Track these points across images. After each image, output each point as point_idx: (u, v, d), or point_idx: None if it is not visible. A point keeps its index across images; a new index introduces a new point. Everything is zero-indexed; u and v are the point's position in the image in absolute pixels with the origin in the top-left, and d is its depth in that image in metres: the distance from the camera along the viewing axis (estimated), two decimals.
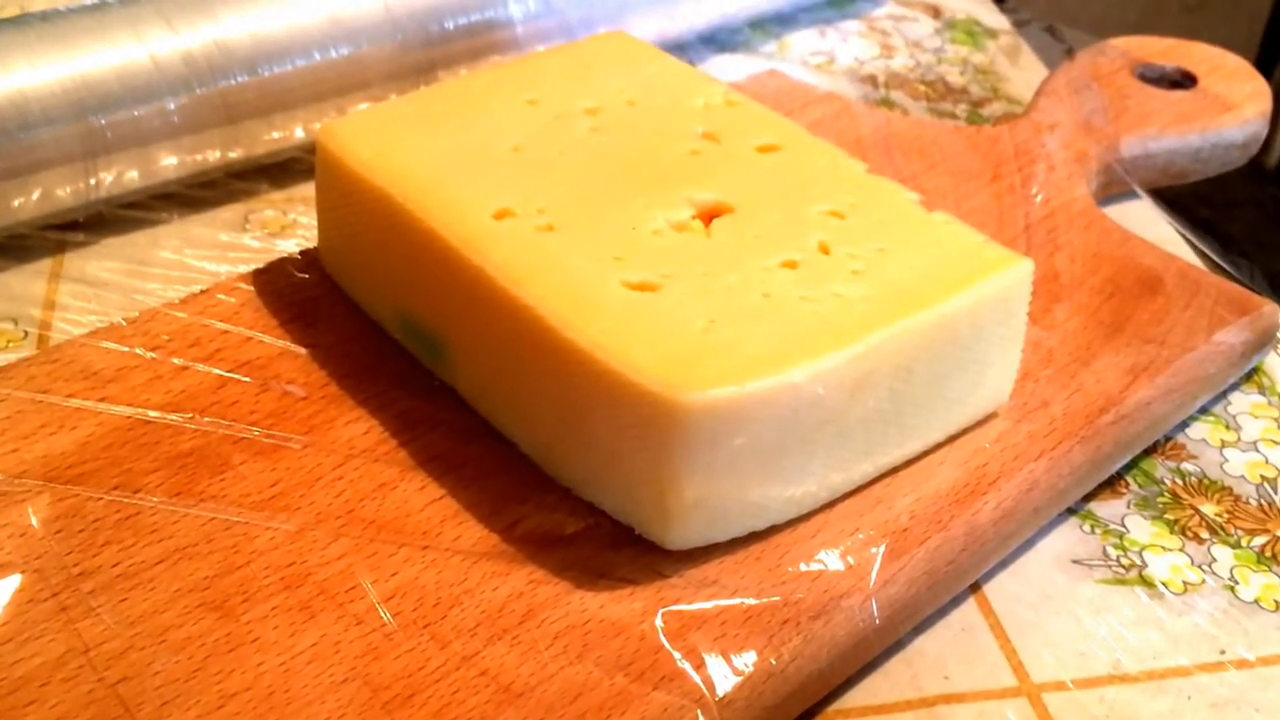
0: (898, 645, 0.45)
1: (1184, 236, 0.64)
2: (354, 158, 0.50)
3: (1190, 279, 0.56)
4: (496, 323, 0.45)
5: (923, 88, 0.75)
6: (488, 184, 0.48)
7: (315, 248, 0.55)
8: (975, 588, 0.48)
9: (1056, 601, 0.48)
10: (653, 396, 0.41)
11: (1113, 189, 0.65)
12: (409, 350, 0.50)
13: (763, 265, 0.46)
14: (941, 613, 0.47)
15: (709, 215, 0.48)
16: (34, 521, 0.42)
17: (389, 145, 0.50)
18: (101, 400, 0.47)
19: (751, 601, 0.42)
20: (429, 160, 0.49)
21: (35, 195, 0.56)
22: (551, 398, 0.44)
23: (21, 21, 0.58)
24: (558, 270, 0.45)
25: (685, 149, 0.51)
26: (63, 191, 0.57)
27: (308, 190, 0.63)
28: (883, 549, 0.44)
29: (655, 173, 0.50)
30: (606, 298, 0.44)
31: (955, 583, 0.46)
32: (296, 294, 0.53)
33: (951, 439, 0.48)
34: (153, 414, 0.46)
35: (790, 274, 0.45)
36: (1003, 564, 0.48)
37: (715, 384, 0.41)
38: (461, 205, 0.47)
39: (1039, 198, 0.60)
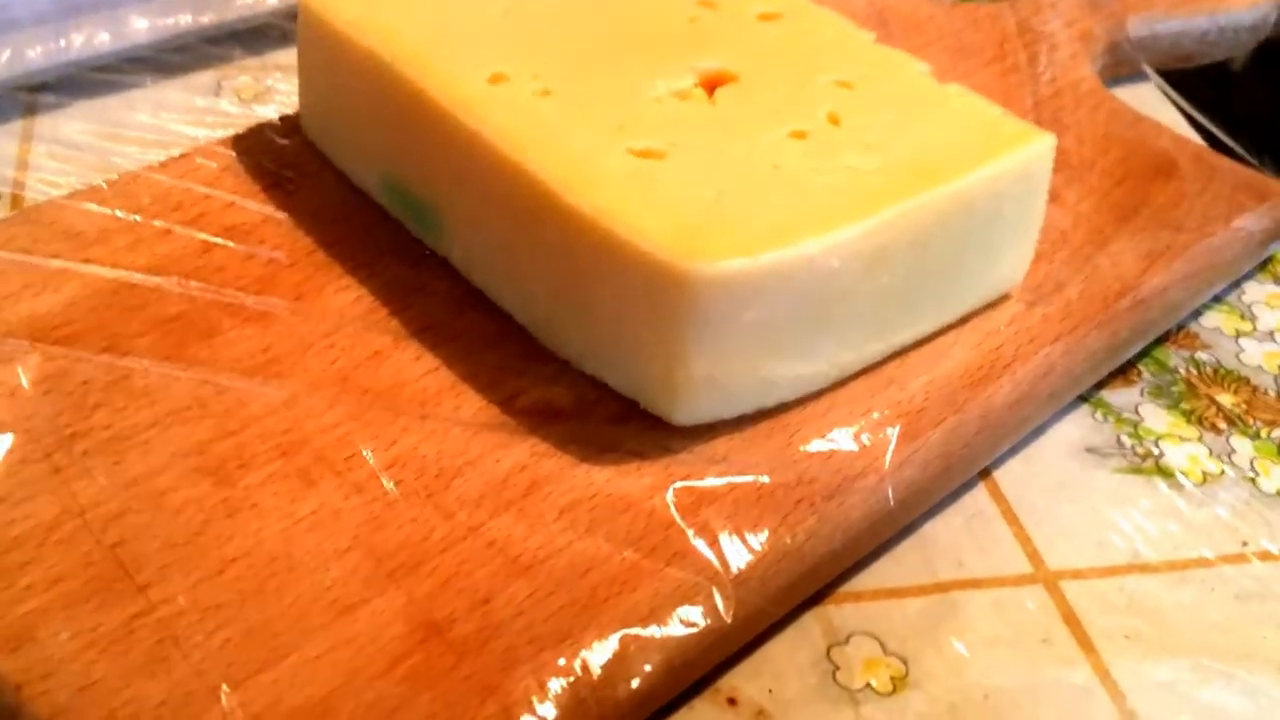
0: (909, 529, 0.46)
1: (1193, 120, 0.64)
2: (339, 18, 0.49)
3: (1205, 163, 0.56)
4: (493, 190, 0.45)
5: None
6: (480, 47, 0.48)
7: (296, 113, 0.54)
8: (985, 474, 0.48)
9: (1070, 490, 0.48)
10: (663, 266, 0.40)
11: (1118, 71, 0.65)
12: (397, 218, 0.50)
13: (771, 135, 0.46)
14: (952, 498, 0.47)
15: (711, 84, 0.48)
16: (23, 381, 0.42)
17: (376, 6, 0.50)
18: (85, 261, 0.46)
19: (764, 479, 0.42)
20: (418, 21, 0.49)
21: (4, 56, 0.55)
22: (552, 268, 0.44)
23: None
24: (558, 136, 0.44)
25: (683, 15, 0.51)
26: (33, 52, 0.56)
27: (282, 57, 0.63)
28: (897, 430, 0.44)
29: (653, 39, 0.50)
30: (610, 164, 0.44)
31: (968, 466, 0.47)
32: (277, 160, 0.52)
33: (963, 320, 0.48)
34: (138, 277, 0.46)
35: (800, 145, 0.45)
36: (1013, 450, 0.49)
37: (727, 255, 0.41)
38: (454, 69, 0.47)
39: (1045, 76, 0.60)
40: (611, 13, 0.51)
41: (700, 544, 0.40)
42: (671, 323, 0.41)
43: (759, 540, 0.41)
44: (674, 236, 0.40)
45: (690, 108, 0.46)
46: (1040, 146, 0.46)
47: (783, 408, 0.45)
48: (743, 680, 0.41)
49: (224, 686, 0.35)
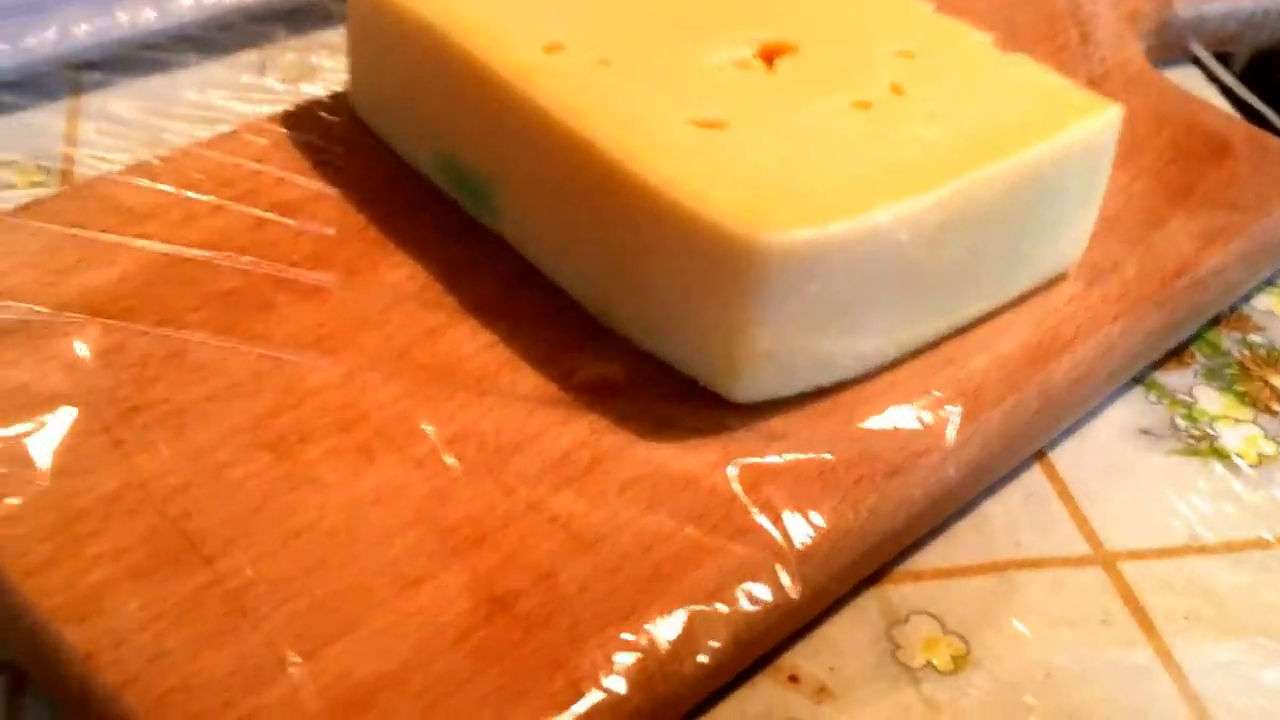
0: (965, 509, 0.46)
1: (1238, 102, 0.63)
2: None
3: (1258, 143, 0.56)
4: (551, 161, 0.45)
5: None
6: (534, 17, 0.48)
7: (344, 90, 0.54)
8: (1040, 455, 0.48)
9: (1125, 471, 0.48)
10: (729, 236, 0.40)
11: (1164, 54, 0.65)
12: (448, 194, 0.50)
13: (833, 106, 0.45)
14: (1008, 478, 0.47)
15: (770, 54, 0.48)
16: (83, 354, 0.42)
17: None
18: (138, 236, 0.46)
19: (825, 456, 0.42)
20: None
21: (52, 33, 0.55)
22: (611, 241, 0.44)
23: None
24: (618, 106, 0.44)
25: None
26: (80, 29, 0.56)
27: (326, 36, 0.63)
28: (958, 409, 0.44)
29: (708, 9, 0.49)
30: (673, 134, 0.43)
31: (1027, 446, 0.46)
32: (327, 136, 0.52)
33: (1021, 299, 0.48)
34: (191, 252, 0.46)
35: (863, 115, 0.45)
36: (1067, 432, 0.49)
37: (795, 224, 0.40)
38: (510, 38, 0.47)
39: (1095, 56, 0.60)
40: None
41: (764, 520, 0.40)
42: (735, 294, 0.41)
43: (822, 517, 0.41)
44: (740, 206, 0.40)
45: (750, 77, 0.46)
46: (1107, 117, 0.46)
47: (840, 386, 0.44)
48: (803, 658, 0.41)
49: (293, 657, 0.35)
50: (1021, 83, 0.47)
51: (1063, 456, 0.48)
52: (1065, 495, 0.47)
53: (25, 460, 0.39)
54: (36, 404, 0.40)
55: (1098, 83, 0.58)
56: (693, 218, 0.40)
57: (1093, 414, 0.50)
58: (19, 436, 0.39)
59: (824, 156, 0.43)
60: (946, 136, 0.44)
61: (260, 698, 0.35)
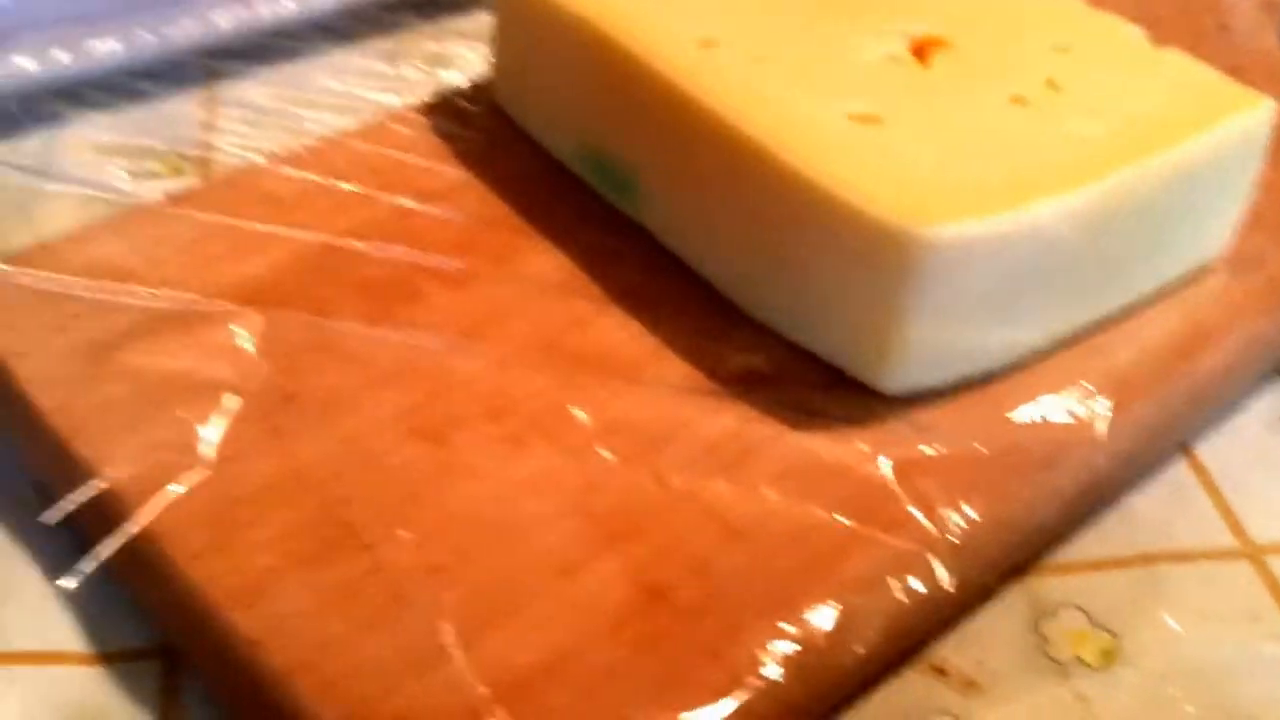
0: (1111, 502, 0.45)
1: None
2: None
3: None
4: (705, 154, 0.45)
5: None
6: (688, 12, 0.48)
7: (484, 80, 0.54)
8: (1184, 447, 0.48)
9: (1270, 463, 0.48)
10: (888, 230, 0.40)
11: None
12: (591, 184, 0.50)
13: (989, 100, 0.45)
14: (1153, 470, 0.47)
15: (923, 48, 0.48)
16: (242, 342, 0.42)
17: None
18: (288, 225, 0.47)
19: (977, 448, 0.42)
20: None
21: (192, 22, 0.56)
22: (762, 233, 0.44)
23: None
24: (774, 100, 0.44)
25: None
26: (220, 19, 0.57)
27: (459, 23, 0.63)
28: (1108, 401, 0.44)
29: (862, 4, 0.49)
30: (829, 129, 0.43)
31: (1174, 437, 0.46)
32: (469, 126, 0.53)
33: (1167, 290, 0.48)
34: (339, 241, 0.47)
35: (1020, 110, 0.45)
36: (1212, 424, 0.48)
37: (955, 219, 0.40)
38: (664, 33, 0.47)
39: (1231, 47, 0.59)
40: None
41: (916, 512, 0.40)
42: (892, 288, 0.41)
43: (974, 510, 0.41)
44: (899, 200, 0.40)
45: (904, 72, 0.46)
46: (1263, 111, 0.46)
47: (988, 377, 0.44)
48: (951, 651, 0.41)
49: (453, 644, 0.36)
50: (1175, 77, 0.47)
51: (1208, 448, 0.48)
52: (1211, 488, 0.46)
53: (188, 447, 0.40)
54: (197, 392, 0.41)
55: (1235, 74, 0.57)
56: (851, 212, 0.40)
57: (1237, 406, 0.49)
58: (183, 423, 0.40)
59: (981, 151, 0.43)
60: (1104, 130, 0.44)
61: (423, 683, 0.35)
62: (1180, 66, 0.47)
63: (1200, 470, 0.47)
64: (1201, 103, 0.46)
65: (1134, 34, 0.48)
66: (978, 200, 0.41)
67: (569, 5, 0.48)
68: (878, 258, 0.40)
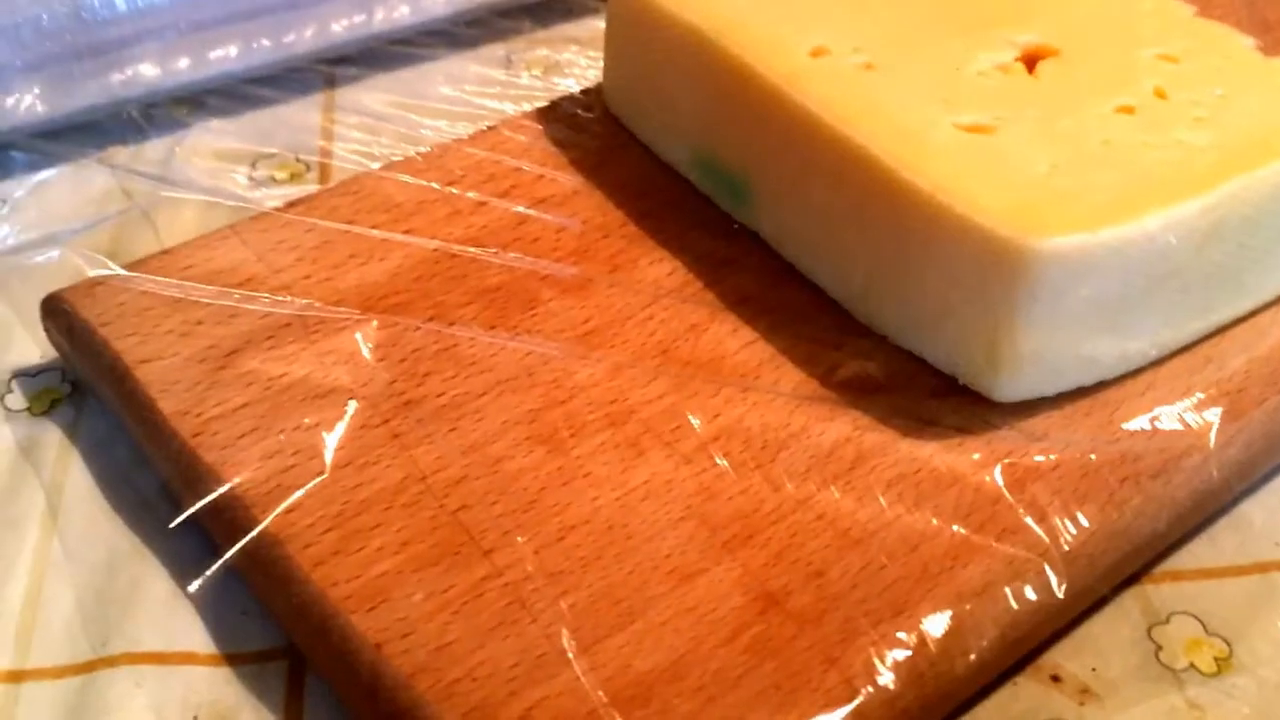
0: (1224, 509, 0.45)
1: None
2: None
3: None
4: (815, 163, 0.45)
5: None
6: (799, 21, 0.49)
7: (597, 86, 0.55)
8: None
9: None
10: (1000, 241, 0.41)
11: None
12: (704, 191, 0.50)
13: (1098, 110, 0.45)
14: (1264, 478, 0.46)
15: (1032, 58, 0.48)
16: (363, 349, 0.43)
17: None
18: (406, 232, 0.48)
19: (1089, 456, 0.42)
20: None
21: (310, 30, 0.57)
22: (876, 242, 0.44)
23: None
24: (884, 109, 0.45)
25: None
26: (337, 26, 0.58)
27: (572, 30, 0.64)
28: (1220, 409, 0.44)
29: (969, 13, 0.50)
30: (940, 138, 0.44)
31: None
32: (582, 133, 0.53)
33: (1278, 300, 0.47)
34: (457, 248, 0.48)
35: (1128, 119, 0.45)
36: None
37: (1067, 230, 0.41)
38: (775, 42, 0.47)
39: None
40: None
41: (1030, 520, 0.40)
42: (1004, 298, 0.41)
43: (1087, 518, 0.41)
44: (1011, 211, 0.41)
45: (1013, 81, 0.46)
46: None
47: (1100, 385, 0.44)
48: (1064, 658, 0.41)
49: (573, 649, 0.36)
50: None
51: None
52: None
53: (311, 452, 0.41)
54: (318, 397, 0.42)
55: None
56: (963, 222, 0.41)
57: None
58: (304, 429, 0.41)
59: (1091, 161, 0.43)
60: (1212, 141, 0.44)
61: (544, 689, 0.36)
62: None
63: None
64: None
65: (1243, 43, 0.48)
66: (1088, 211, 0.41)
67: (680, 13, 0.48)
68: (990, 268, 0.41)
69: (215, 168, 0.55)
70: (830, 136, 0.44)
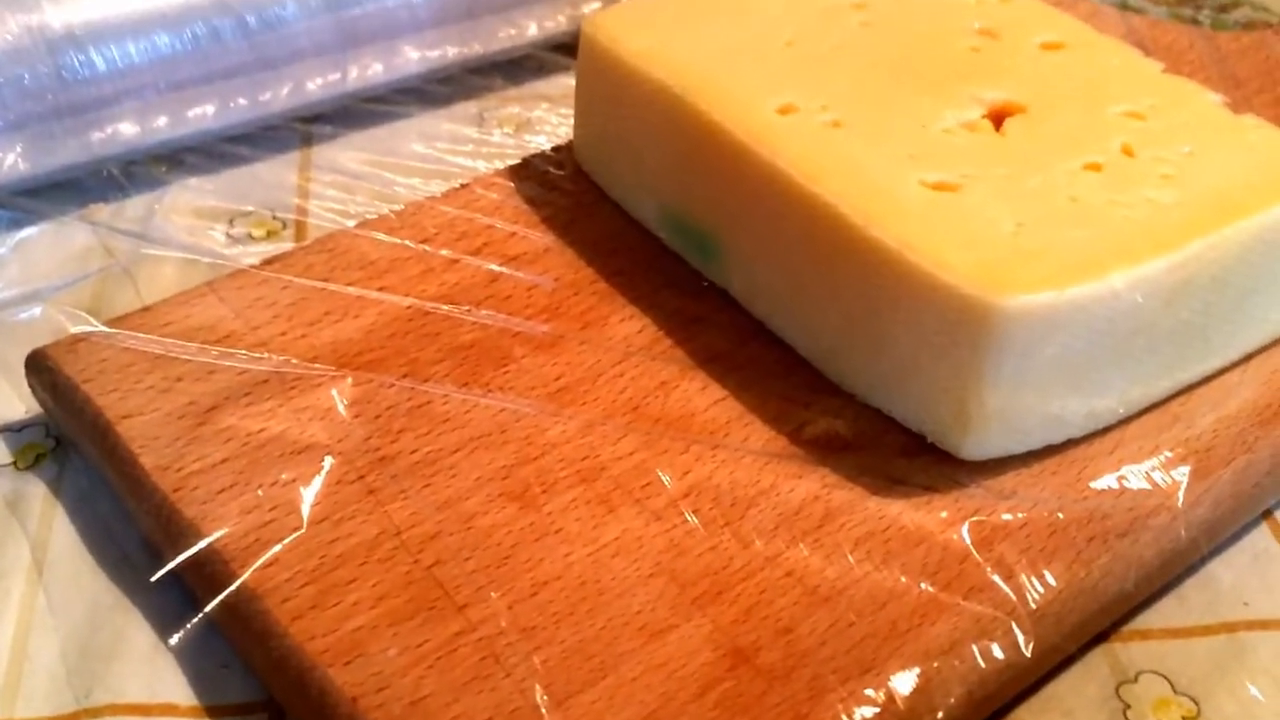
0: (1192, 568, 0.46)
1: None
2: (626, 49, 0.51)
3: None
4: (784, 221, 0.46)
5: None
6: (766, 78, 0.49)
7: (568, 143, 0.56)
8: (1267, 514, 0.48)
9: None
10: (967, 300, 0.41)
11: None
12: (674, 248, 0.51)
13: (1065, 168, 0.46)
14: (1234, 537, 0.47)
15: (999, 115, 0.49)
16: (338, 405, 0.44)
17: (660, 37, 0.51)
18: (380, 290, 0.49)
19: (1057, 515, 0.43)
20: (704, 53, 0.50)
21: (287, 88, 0.58)
22: (843, 299, 0.45)
23: None
24: (852, 167, 0.46)
25: (964, 45, 0.52)
26: (313, 84, 0.59)
27: (543, 87, 0.65)
28: (1188, 468, 0.45)
29: (936, 70, 0.51)
30: (907, 197, 0.45)
31: (1257, 505, 0.47)
32: (554, 190, 0.54)
33: (1248, 357, 0.48)
34: (430, 305, 0.48)
35: (1095, 177, 0.46)
36: None
37: (1033, 288, 0.41)
38: (743, 99, 0.48)
39: None
40: (894, 43, 0.52)
41: (997, 578, 0.41)
42: (970, 356, 0.42)
43: (1054, 576, 0.41)
44: (976, 269, 0.41)
45: (980, 139, 0.47)
46: None
47: (1069, 443, 0.45)
48: (1032, 716, 0.42)
49: (546, 705, 0.37)
50: (1253, 144, 0.48)
51: None
52: None
53: (289, 507, 0.41)
54: (295, 452, 0.43)
55: None
56: (929, 280, 0.42)
57: None
58: (281, 484, 0.42)
59: (1057, 219, 0.44)
60: (1179, 198, 0.45)
61: None
62: (1259, 134, 0.48)
63: None
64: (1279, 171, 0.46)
65: (1211, 100, 0.49)
66: (1054, 269, 0.42)
67: (648, 70, 0.49)
68: (956, 327, 0.42)
69: (194, 225, 0.56)
70: (798, 194, 0.45)
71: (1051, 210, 0.44)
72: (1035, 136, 0.47)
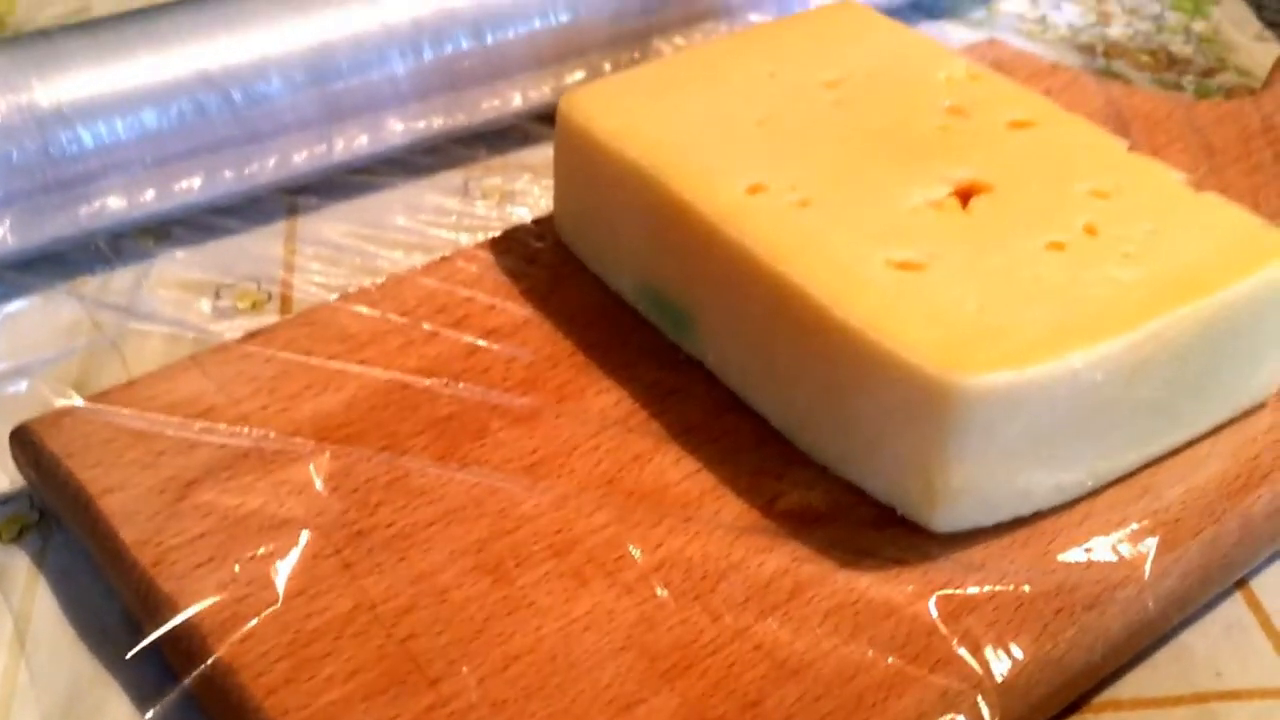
0: (1164, 638, 0.47)
1: None
2: (600, 128, 0.52)
3: None
4: (754, 298, 0.47)
5: (1146, 58, 0.76)
6: (737, 157, 0.51)
7: (549, 215, 0.57)
8: (1241, 583, 0.49)
9: None
10: (929, 378, 0.42)
11: None
12: (651, 321, 0.52)
13: (1029, 246, 0.47)
14: (1208, 607, 0.48)
15: (966, 193, 0.50)
16: (315, 480, 0.45)
17: (635, 116, 0.52)
18: (361, 363, 0.50)
19: (1024, 588, 0.44)
20: (676, 132, 0.52)
21: (273, 160, 0.59)
22: (812, 375, 0.46)
23: None
24: (819, 246, 0.47)
25: (933, 124, 0.53)
26: (298, 156, 0.60)
27: (526, 157, 0.66)
28: (1156, 540, 0.45)
29: (905, 148, 0.52)
30: (872, 276, 0.46)
31: (1226, 576, 0.47)
32: (534, 262, 0.55)
33: (1218, 428, 0.49)
34: (409, 378, 0.49)
35: (1058, 256, 0.47)
36: (1271, 559, 0.49)
37: (993, 367, 0.42)
38: (713, 179, 0.49)
39: None
40: (863, 120, 0.53)
41: (964, 652, 0.42)
42: (934, 434, 0.43)
43: (1021, 649, 0.42)
44: (938, 349, 0.42)
45: (946, 218, 0.48)
46: None
47: (1039, 515, 0.46)
48: None
49: None
50: (1214, 222, 0.48)
51: (1266, 584, 0.49)
52: (1268, 625, 0.47)
53: (265, 581, 0.42)
54: (273, 527, 0.44)
55: None
56: (892, 359, 0.43)
57: None
58: (259, 559, 0.43)
59: (1019, 298, 0.45)
60: (1140, 277, 0.46)
61: None
62: (1219, 212, 0.49)
63: (1256, 607, 0.48)
64: (1239, 249, 0.47)
65: (1173, 179, 0.50)
66: (1015, 349, 0.43)
67: (622, 149, 0.51)
68: (918, 404, 0.43)
69: (180, 298, 0.57)
70: (765, 273, 0.46)
71: (1014, 289, 0.45)
72: (1001, 215, 0.48)
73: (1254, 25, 0.79)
